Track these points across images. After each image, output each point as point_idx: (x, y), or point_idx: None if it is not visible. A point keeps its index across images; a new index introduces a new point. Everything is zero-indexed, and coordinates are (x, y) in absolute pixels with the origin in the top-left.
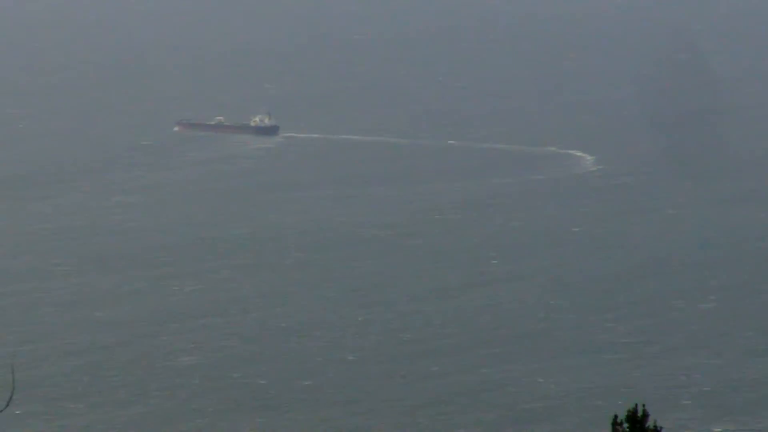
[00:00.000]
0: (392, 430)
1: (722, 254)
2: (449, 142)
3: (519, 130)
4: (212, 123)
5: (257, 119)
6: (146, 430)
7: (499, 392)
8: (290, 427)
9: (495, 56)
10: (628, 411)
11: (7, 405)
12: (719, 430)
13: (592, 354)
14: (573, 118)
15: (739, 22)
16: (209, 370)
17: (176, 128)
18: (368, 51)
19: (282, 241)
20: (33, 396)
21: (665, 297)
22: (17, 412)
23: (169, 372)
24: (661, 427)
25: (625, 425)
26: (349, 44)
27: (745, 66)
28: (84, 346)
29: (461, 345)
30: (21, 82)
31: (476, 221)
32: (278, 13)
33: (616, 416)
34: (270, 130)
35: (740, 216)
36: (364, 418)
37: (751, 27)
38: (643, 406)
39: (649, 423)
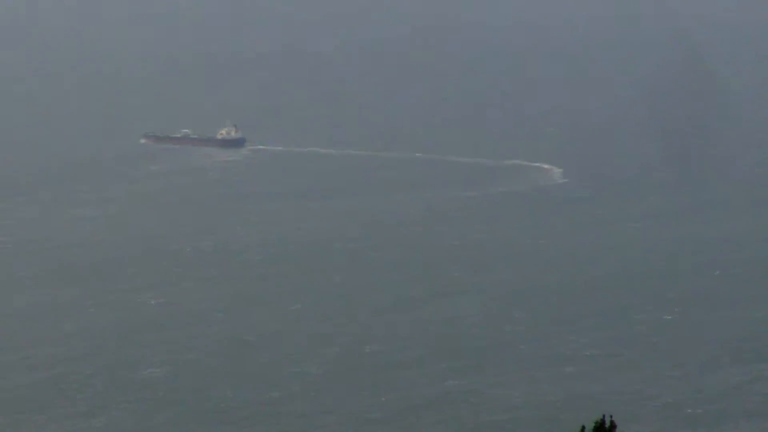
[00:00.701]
0: None
1: (683, 266)
2: (416, 154)
3: (486, 143)
4: (179, 136)
5: (224, 132)
6: None
7: (462, 404)
8: None
9: (463, 68)
10: (596, 422)
11: None
12: None
13: (554, 366)
14: (542, 130)
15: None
16: (173, 383)
17: (143, 141)
18: (335, 63)
19: (247, 253)
20: None
21: (627, 309)
22: None
23: (132, 384)
24: None
25: None
26: (316, 57)
27: (715, 80)
28: (47, 359)
29: (424, 357)
30: None
31: (440, 234)
32: (246, 27)
33: (583, 427)
34: (236, 143)
35: (701, 228)
36: (328, 431)
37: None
38: (611, 417)
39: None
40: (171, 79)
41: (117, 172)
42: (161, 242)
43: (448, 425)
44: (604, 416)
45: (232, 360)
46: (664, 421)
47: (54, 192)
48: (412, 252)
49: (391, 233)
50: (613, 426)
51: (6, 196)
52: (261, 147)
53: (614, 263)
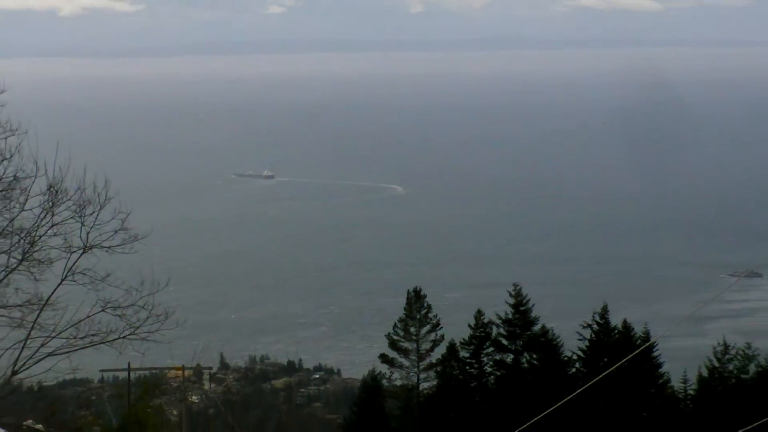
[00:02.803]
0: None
1: (438, 222)
2: (341, 182)
3: (369, 175)
4: (247, 174)
5: (265, 172)
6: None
7: (357, 281)
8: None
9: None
10: (415, 288)
11: (166, 285)
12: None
13: (396, 266)
14: (400, 168)
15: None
16: (258, 268)
17: (232, 176)
18: (305, 144)
19: (279, 220)
20: (176, 282)
21: (417, 244)
22: (171, 288)
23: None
24: (425, 294)
25: (413, 295)
26: (294, 142)
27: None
28: (199, 260)
29: (340, 264)
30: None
31: (347, 215)
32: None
33: (408, 291)
34: (271, 177)
35: (444, 213)
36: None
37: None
38: (419, 287)
39: (423, 293)
40: (239, 146)
41: (224, 189)
42: (245, 215)
43: (350, 288)
44: (417, 286)
45: (293, 262)
46: (439, 288)
47: (201, 195)
48: (338, 220)
49: (333, 212)
50: (421, 289)
51: (175, 199)
52: (282, 179)
53: (418, 227)
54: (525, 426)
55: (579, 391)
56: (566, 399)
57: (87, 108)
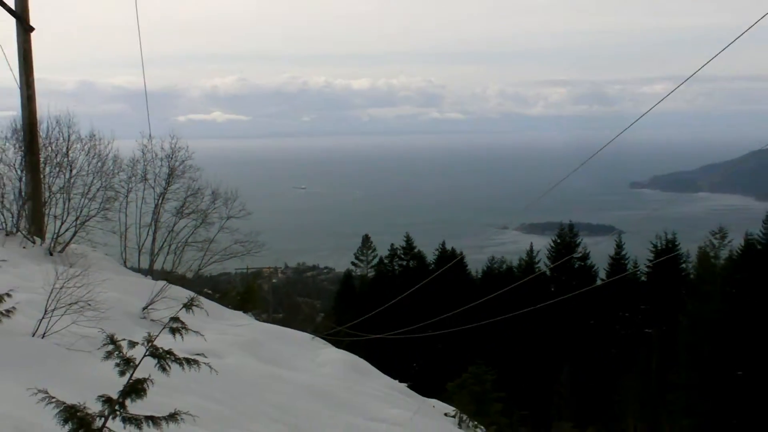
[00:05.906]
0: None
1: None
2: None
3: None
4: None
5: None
6: None
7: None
8: None
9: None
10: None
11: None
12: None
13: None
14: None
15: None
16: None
17: (292, 188)
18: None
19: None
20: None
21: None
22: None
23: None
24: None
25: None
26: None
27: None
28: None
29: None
30: None
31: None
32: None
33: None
34: (304, 188)
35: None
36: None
37: None
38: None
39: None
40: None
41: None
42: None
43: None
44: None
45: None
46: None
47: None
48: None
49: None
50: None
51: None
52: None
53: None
54: (393, 302)
55: (420, 285)
56: (416, 287)
57: None
